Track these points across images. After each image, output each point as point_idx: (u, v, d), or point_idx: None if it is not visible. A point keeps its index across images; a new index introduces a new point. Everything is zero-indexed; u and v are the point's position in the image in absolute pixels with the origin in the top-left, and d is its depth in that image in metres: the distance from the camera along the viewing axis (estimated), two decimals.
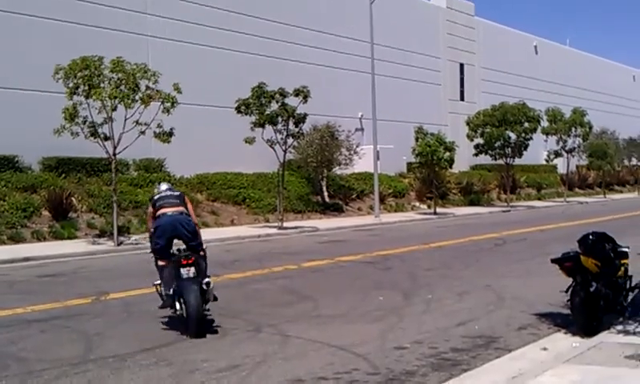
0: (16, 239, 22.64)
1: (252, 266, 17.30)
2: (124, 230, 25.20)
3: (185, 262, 10.12)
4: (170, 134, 24.21)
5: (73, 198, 25.85)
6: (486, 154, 41.48)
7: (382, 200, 35.38)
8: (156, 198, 10.88)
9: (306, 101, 28.11)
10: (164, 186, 11.16)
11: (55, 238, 23.57)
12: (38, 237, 23.35)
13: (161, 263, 10.50)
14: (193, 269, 10.13)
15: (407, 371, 8.17)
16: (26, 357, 8.81)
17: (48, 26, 29.29)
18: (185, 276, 10.03)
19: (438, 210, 36.16)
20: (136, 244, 23.05)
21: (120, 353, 8.96)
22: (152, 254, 10.74)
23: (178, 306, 10.06)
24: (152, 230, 10.69)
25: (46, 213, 25.01)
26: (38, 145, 26.54)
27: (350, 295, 13.21)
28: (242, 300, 12.73)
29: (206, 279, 10.15)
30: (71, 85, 23.04)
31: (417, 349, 9.17)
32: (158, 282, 10.62)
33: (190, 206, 10.96)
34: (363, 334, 10.06)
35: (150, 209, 10.93)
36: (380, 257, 18.84)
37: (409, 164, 41.97)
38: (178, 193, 11.05)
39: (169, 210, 10.53)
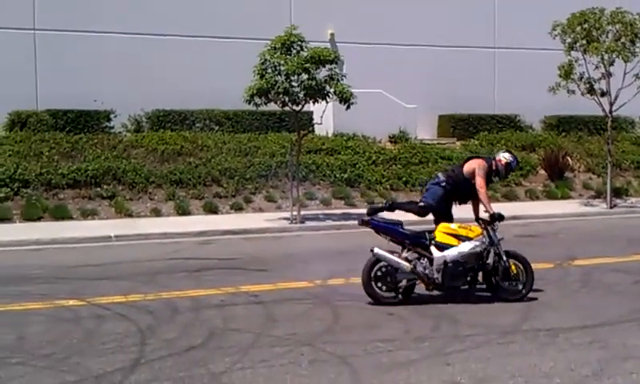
0: (510, 197, 23.06)
1: None
2: (621, 192, 23.88)
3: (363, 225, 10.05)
4: None
5: (569, 158, 25.33)
6: None
7: None
8: None
9: None
10: (502, 154, 10.54)
11: (548, 198, 23.42)
12: (531, 196, 23.45)
13: None
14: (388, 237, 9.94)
15: None
16: (460, 318, 8.81)
17: None
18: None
19: None
20: (630, 207, 21.70)
21: (555, 326, 8.42)
22: None
23: None
24: None
25: (542, 172, 25.00)
26: (540, 104, 26.36)
27: None
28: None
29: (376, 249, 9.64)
30: (569, 40, 22.44)
31: None
32: None
33: (477, 172, 9.98)
34: None
35: None
36: None
37: None
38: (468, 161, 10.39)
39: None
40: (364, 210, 20.42)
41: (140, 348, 7.74)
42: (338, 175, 22.28)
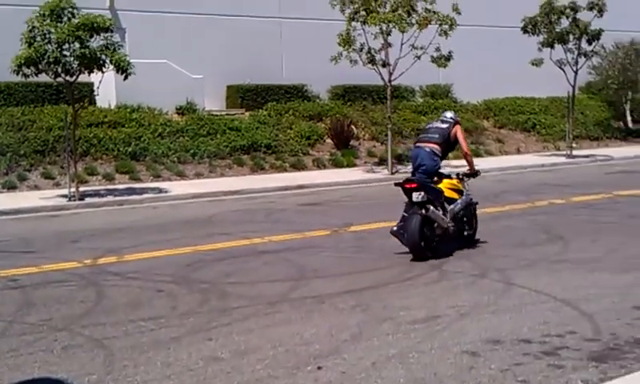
0: (297, 167, 23.37)
1: (516, 198, 15.99)
2: (403, 159, 24.90)
3: (408, 186, 10.11)
4: (448, 58, 23.22)
5: (353, 126, 26.05)
6: None
7: None
8: (425, 127, 11.41)
9: (601, 15, 25.44)
10: (447, 114, 11.14)
11: (335, 166, 23.97)
12: (319, 165, 23.90)
13: None
14: (422, 193, 9.97)
15: (635, 340, 6.67)
16: (230, 291, 8.71)
17: None
18: (414, 199, 9.99)
19: None
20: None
21: (323, 293, 8.51)
22: None
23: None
24: None
25: (329, 141, 25.51)
26: (326, 74, 26.61)
27: (612, 237, 11.52)
28: (484, 237, 11.64)
29: (431, 208, 10.03)
30: (349, 11, 22.93)
31: None
32: None
33: (460, 135, 10.74)
34: (604, 286, 8.57)
35: None
36: None
37: None
38: (445, 125, 10.76)
39: (420, 144, 10.67)
40: (150, 184, 20.04)
41: None
42: (121, 149, 21.46)
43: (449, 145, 10.75)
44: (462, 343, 6.69)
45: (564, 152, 26.51)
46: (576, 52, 25.85)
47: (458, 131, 10.72)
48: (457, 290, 8.61)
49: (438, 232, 10.23)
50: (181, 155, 22.19)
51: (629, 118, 31.89)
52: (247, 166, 22.71)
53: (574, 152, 26.22)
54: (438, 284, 8.96)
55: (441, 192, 10.38)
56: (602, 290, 8.38)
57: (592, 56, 26.94)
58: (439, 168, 10.63)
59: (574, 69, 25.85)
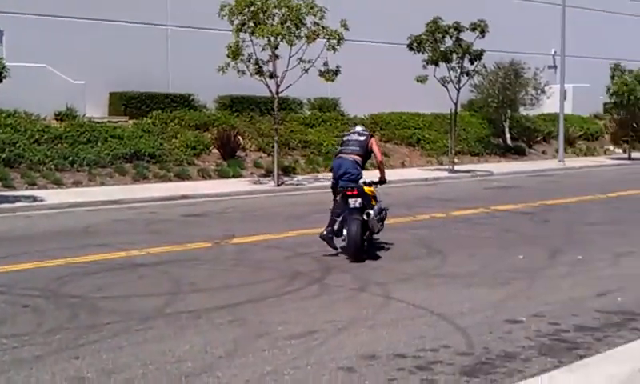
0: (182, 177, 22.91)
1: (399, 212, 16.04)
2: (289, 170, 24.90)
3: (350, 193, 10.96)
4: (336, 72, 23.33)
5: (240, 137, 25.83)
6: None
7: (570, 143, 32.85)
8: (342, 140, 12.00)
9: (483, 35, 26.20)
10: (358, 128, 12.13)
11: (220, 177, 23.63)
12: (204, 175, 23.52)
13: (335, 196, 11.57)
14: (360, 199, 10.95)
15: (507, 354, 6.79)
16: (101, 306, 8.34)
17: None
18: (352, 205, 10.90)
19: (635, 154, 32.85)
20: (297, 185, 22.62)
21: (199, 308, 8.27)
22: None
23: (344, 232, 10.96)
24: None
25: (215, 151, 25.17)
26: (214, 83, 26.17)
27: (488, 251, 11.81)
28: (367, 251, 11.70)
29: (368, 211, 10.92)
30: (237, 22, 22.69)
31: (532, 324, 7.71)
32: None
33: (375, 147, 11.71)
34: (479, 300, 8.72)
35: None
36: (543, 207, 17.02)
37: (605, 104, 38.47)
38: (362, 138, 11.60)
39: (343, 155, 11.48)
40: (24, 192, 19.18)
41: None
42: None
43: (367, 156, 11.65)
44: (337, 359, 6.61)
45: (446, 167, 27.17)
46: (459, 70, 26.53)
47: (374, 143, 11.73)
48: (336, 304, 8.56)
49: (368, 236, 11.20)
50: (58, 163, 21.36)
51: (507, 136, 33.00)
52: (129, 175, 22.09)
53: (456, 167, 26.91)
54: (317, 298, 8.88)
55: (370, 199, 11.21)
56: (477, 304, 8.52)
57: (474, 75, 27.76)
58: (361, 177, 11.33)
59: (457, 87, 26.55)
